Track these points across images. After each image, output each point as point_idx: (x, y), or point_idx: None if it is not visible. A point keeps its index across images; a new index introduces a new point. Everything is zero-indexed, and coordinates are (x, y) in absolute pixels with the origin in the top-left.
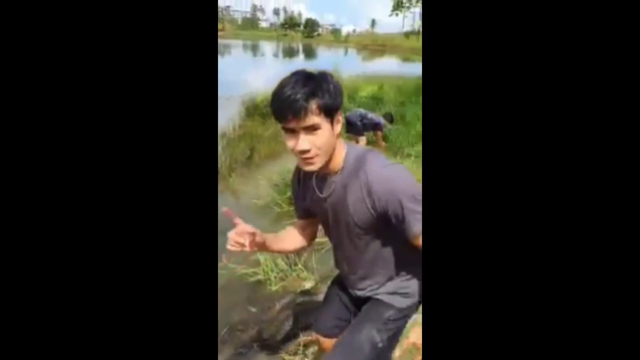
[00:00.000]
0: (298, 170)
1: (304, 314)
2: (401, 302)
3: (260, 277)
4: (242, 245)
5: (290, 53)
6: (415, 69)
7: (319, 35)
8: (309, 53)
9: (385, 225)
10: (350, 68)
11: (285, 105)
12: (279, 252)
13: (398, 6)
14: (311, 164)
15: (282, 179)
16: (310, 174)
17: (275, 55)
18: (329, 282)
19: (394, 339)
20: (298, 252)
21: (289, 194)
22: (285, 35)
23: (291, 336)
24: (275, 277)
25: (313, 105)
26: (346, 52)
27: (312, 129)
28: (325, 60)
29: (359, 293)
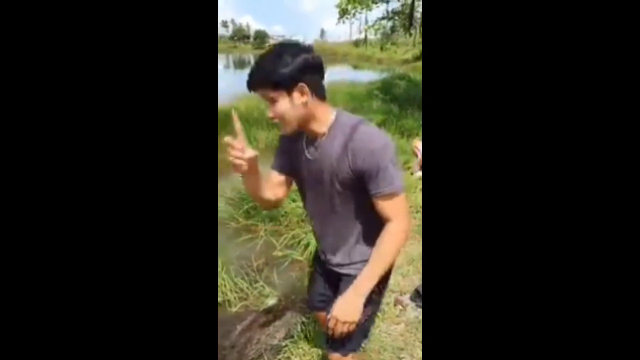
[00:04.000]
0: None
1: (268, 335)
2: None
3: (218, 299)
4: (241, 162)
5: (241, 65)
6: (364, 76)
7: (269, 46)
8: None
9: (360, 185)
10: None
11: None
12: (259, 196)
13: (344, 13)
14: (282, 127)
15: (236, 193)
16: (300, 135)
17: (227, 66)
18: (292, 298)
19: (379, 295)
20: (273, 206)
21: (245, 207)
22: (235, 47)
23: None
24: (235, 298)
25: (257, 85)
26: None
27: (271, 100)
28: None
29: (333, 265)
